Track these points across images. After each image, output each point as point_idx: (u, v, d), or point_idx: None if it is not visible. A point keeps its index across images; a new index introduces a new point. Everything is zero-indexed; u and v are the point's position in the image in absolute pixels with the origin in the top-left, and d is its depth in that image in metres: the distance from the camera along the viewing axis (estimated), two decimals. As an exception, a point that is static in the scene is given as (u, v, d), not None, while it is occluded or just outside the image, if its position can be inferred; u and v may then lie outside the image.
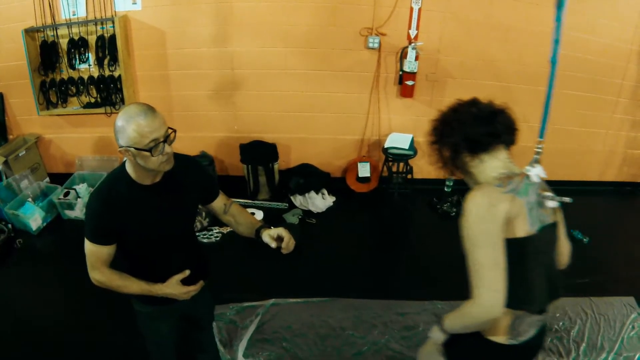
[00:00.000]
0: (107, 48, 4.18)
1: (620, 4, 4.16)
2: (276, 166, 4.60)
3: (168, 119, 1.66)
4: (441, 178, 4.73)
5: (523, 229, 1.48)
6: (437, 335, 1.68)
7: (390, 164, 4.62)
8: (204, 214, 4.11)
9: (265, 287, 3.45)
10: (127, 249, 1.83)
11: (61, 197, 4.28)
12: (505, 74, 4.34)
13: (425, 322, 3.12)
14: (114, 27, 4.09)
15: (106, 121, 4.43)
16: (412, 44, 4.17)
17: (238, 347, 2.96)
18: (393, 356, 2.94)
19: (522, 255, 1.49)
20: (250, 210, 4.28)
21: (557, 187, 1.66)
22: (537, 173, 1.54)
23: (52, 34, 4.19)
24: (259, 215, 4.34)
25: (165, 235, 1.84)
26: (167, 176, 1.78)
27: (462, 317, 1.53)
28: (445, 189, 4.83)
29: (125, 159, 1.70)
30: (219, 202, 2.03)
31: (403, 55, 4.26)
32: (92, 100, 4.44)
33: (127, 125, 1.57)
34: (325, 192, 4.66)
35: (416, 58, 4.19)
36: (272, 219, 4.30)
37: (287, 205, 4.53)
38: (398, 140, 4.49)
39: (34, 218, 4.08)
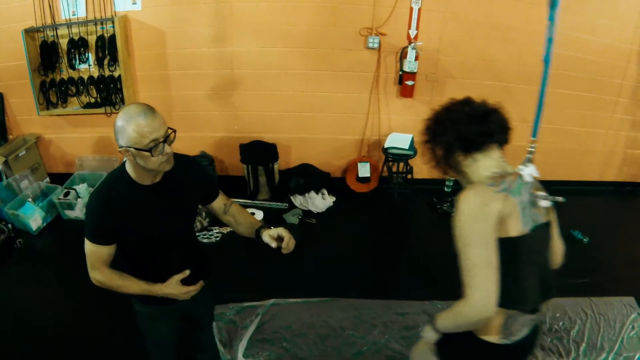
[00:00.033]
0: (107, 48, 4.19)
1: (620, 4, 4.16)
2: (276, 166, 4.60)
3: (168, 119, 1.66)
4: (441, 178, 4.73)
5: (516, 228, 1.48)
6: (429, 335, 1.68)
7: (390, 164, 4.62)
8: (204, 214, 4.12)
9: (265, 287, 3.45)
10: (127, 249, 1.83)
11: (61, 197, 4.28)
12: (505, 74, 4.34)
13: (425, 322, 3.11)
14: (113, 27, 4.09)
15: (106, 121, 4.43)
16: (412, 44, 4.17)
17: (238, 347, 2.96)
18: (393, 356, 2.94)
19: (515, 254, 1.49)
20: (250, 210, 4.28)
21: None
22: (530, 172, 1.54)
23: (52, 34, 4.19)
24: (259, 215, 4.34)
25: (165, 235, 1.84)
26: (167, 176, 1.78)
27: (454, 317, 1.53)
28: (445, 189, 4.83)
29: (125, 159, 1.70)
30: (219, 202, 2.03)
31: (403, 55, 4.26)
32: (92, 100, 4.44)
33: (127, 126, 1.57)
34: (325, 192, 4.66)
35: (416, 58, 4.19)
36: (272, 219, 4.30)
37: (287, 205, 4.53)
38: (398, 140, 4.49)
39: (34, 218, 4.08)
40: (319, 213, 4.46)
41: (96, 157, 4.82)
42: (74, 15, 4.15)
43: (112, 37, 4.12)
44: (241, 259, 3.73)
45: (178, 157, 1.76)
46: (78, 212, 4.27)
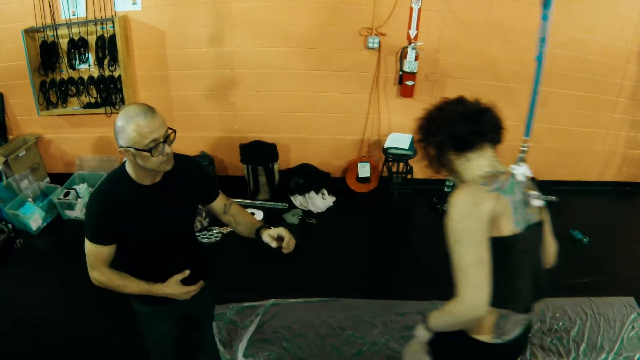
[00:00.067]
0: (107, 48, 4.19)
1: (620, 4, 4.17)
2: (276, 166, 4.60)
3: (168, 119, 1.66)
4: (441, 178, 4.73)
5: (508, 227, 1.48)
6: (422, 334, 1.68)
7: (390, 164, 4.62)
8: (204, 214, 4.12)
9: (265, 287, 3.45)
10: (127, 249, 1.83)
11: (61, 197, 4.28)
12: (505, 74, 4.34)
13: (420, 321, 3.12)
14: (113, 27, 4.09)
15: (106, 121, 4.43)
16: (412, 44, 4.17)
17: (238, 347, 2.96)
18: (393, 356, 2.94)
19: (507, 254, 1.48)
20: (250, 210, 4.28)
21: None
22: (522, 172, 1.55)
23: (52, 34, 4.20)
24: (259, 215, 4.34)
25: (165, 235, 1.84)
26: (167, 176, 1.78)
27: (446, 316, 1.53)
28: (445, 189, 4.83)
29: (125, 159, 1.70)
30: (219, 202, 2.03)
31: (403, 55, 4.26)
32: (92, 100, 4.44)
33: (127, 126, 1.57)
34: (325, 192, 4.66)
35: (416, 58, 4.19)
36: (272, 219, 4.30)
37: (287, 205, 4.53)
38: (398, 140, 4.49)
39: (34, 218, 4.08)
40: (319, 213, 4.46)
41: (96, 157, 4.82)
42: (74, 15, 4.15)
43: (112, 37, 4.12)
44: (241, 259, 3.73)
45: (178, 157, 1.76)
46: (78, 212, 4.27)
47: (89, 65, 4.32)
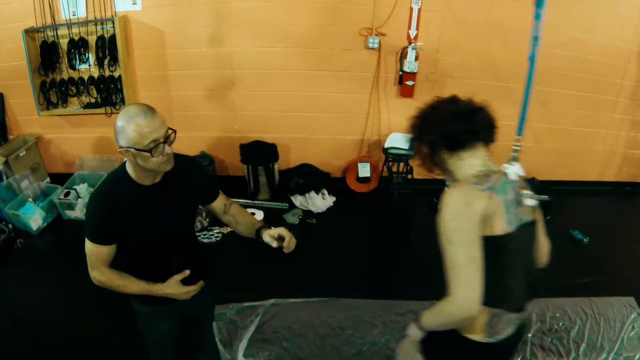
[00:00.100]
0: (107, 48, 4.19)
1: (620, 4, 4.17)
2: (276, 166, 4.60)
3: (168, 119, 1.66)
4: (442, 178, 4.74)
5: (501, 227, 1.47)
6: (414, 333, 1.67)
7: (391, 164, 4.62)
8: (204, 214, 4.12)
9: (265, 287, 3.45)
10: (127, 249, 1.83)
11: (61, 197, 4.28)
12: (505, 74, 4.34)
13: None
14: (114, 27, 4.09)
15: (106, 121, 4.44)
16: (412, 44, 4.17)
17: (238, 347, 2.96)
18: (392, 356, 2.94)
19: (499, 253, 1.48)
20: (250, 210, 4.28)
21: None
22: (515, 171, 1.54)
23: (52, 34, 4.20)
24: (259, 215, 4.34)
25: (165, 235, 1.84)
26: (167, 176, 1.78)
27: (438, 315, 1.53)
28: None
29: (125, 159, 1.70)
30: (219, 203, 2.03)
31: (403, 55, 4.26)
32: (92, 100, 4.44)
33: (127, 126, 1.57)
34: (325, 192, 4.67)
35: (416, 58, 4.19)
36: (272, 219, 4.31)
37: (287, 205, 4.53)
38: (398, 140, 4.49)
39: (35, 218, 4.08)
40: (319, 213, 4.46)
41: (96, 157, 4.82)
42: (74, 15, 4.16)
43: (112, 37, 4.13)
44: (241, 259, 3.73)
45: (178, 157, 1.76)
46: (78, 212, 4.27)
47: (89, 65, 4.32)
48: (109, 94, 4.37)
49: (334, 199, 4.65)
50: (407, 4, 4.09)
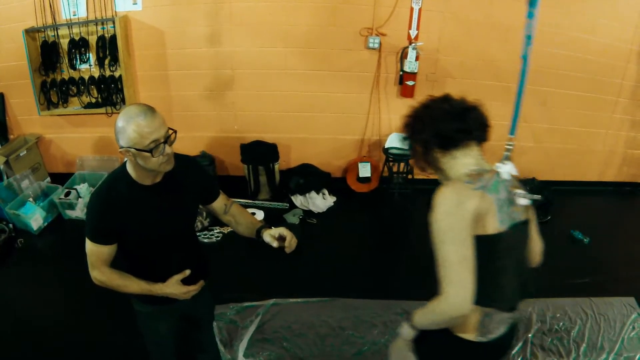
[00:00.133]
0: (108, 48, 4.19)
1: (620, 4, 4.17)
2: (277, 166, 4.60)
3: (168, 119, 1.66)
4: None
5: (493, 226, 1.47)
6: (406, 332, 1.67)
7: (391, 164, 4.62)
8: (204, 214, 4.12)
9: (265, 287, 3.45)
10: (128, 249, 1.83)
11: (62, 196, 4.28)
12: (505, 74, 4.34)
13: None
14: (114, 27, 4.09)
15: (107, 121, 4.44)
16: (413, 44, 4.17)
17: (238, 346, 2.97)
18: (393, 356, 2.95)
19: (492, 252, 1.48)
20: (250, 210, 4.28)
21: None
22: (507, 170, 1.54)
23: (53, 34, 4.20)
24: (260, 215, 4.34)
25: (165, 235, 1.85)
26: (167, 176, 1.78)
27: (430, 314, 1.53)
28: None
29: (126, 159, 1.70)
30: (220, 203, 2.04)
31: (403, 55, 4.26)
32: (93, 100, 4.45)
33: (127, 126, 1.57)
34: (325, 192, 4.67)
35: (416, 58, 4.19)
36: (273, 219, 4.31)
37: (288, 205, 4.53)
38: (398, 141, 4.49)
39: (35, 218, 4.08)
40: (320, 213, 4.46)
41: (97, 157, 4.82)
42: (74, 15, 4.16)
43: (113, 37, 4.13)
44: (241, 259, 3.73)
45: (178, 157, 1.76)
46: (79, 212, 4.28)
47: (90, 65, 4.33)
48: (109, 93, 4.37)
49: (334, 199, 4.65)
50: (408, 4, 4.09)
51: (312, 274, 3.62)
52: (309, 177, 4.64)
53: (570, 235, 4.13)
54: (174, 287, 1.87)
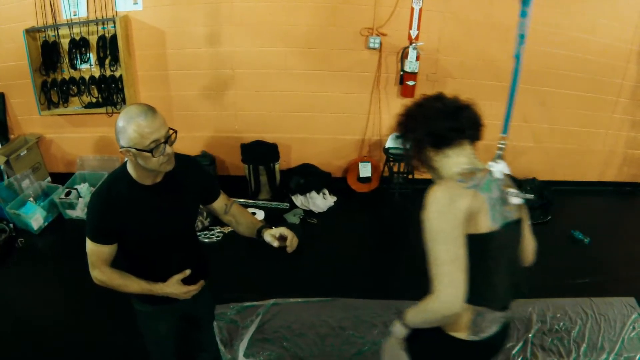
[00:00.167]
0: (108, 48, 4.19)
1: (620, 4, 4.17)
2: (277, 166, 4.60)
3: (168, 119, 1.66)
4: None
5: (485, 224, 1.47)
6: (398, 330, 1.67)
7: (391, 164, 4.62)
8: (205, 213, 4.12)
9: (265, 287, 3.46)
10: (128, 249, 1.83)
11: (62, 196, 4.28)
12: (505, 73, 4.29)
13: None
14: (115, 27, 4.09)
15: (107, 121, 4.44)
16: (413, 44, 4.17)
17: (239, 346, 2.97)
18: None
19: (484, 251, 1.48)
20: (251, 210, 4.28)
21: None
22: (500, 169, 1.53)
23: (53, 34, 4.20)
24: (260, 215, 4.35)
25: (166, 235, 1.85)
26: (168, 176, 1.78)
27: (422, 312, 1.52)
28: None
29: (126, 159, 1.70)
30: (220, 203, 2.04)
31: (404, 55, 4.26)
32: (93, 100, 4.45)
33: (128, 126, 1.57)
34: (326, 192, 4.67)
35: (417, 58, 4.19)
36: (273, 218, 4.31)
37: (288, 205, 4.54)
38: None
39: (35, 218, 4.08)
40: (320, 213, 4.46)
41: (97, 156, 4.82)
42: (75, 15, 4.16)
43: (113, 37, 4.13)
44: (242, 259, 3.73)
45: (179, 157, 1.77)
46: (79, 211, 4.28)
47: (90, 65, 4.33)
48: (109, 93, 4.37)
49: (334, 198, 4.65)
50: (408, 4, 4.09)
51: (312, 274, 3.62)
52: (310, 177, 4.64)
53: (570, 235, 4.13)
54: (174, 286, 1.87)
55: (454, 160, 1.54)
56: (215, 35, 4.25)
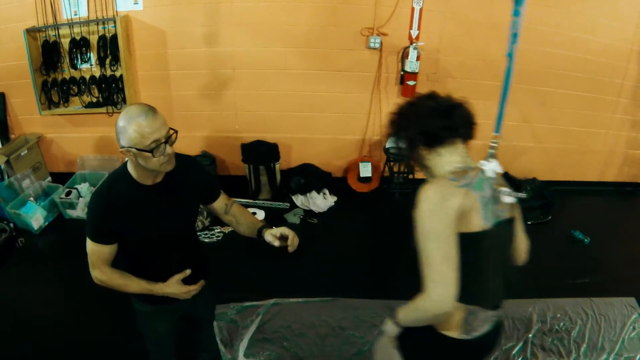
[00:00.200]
0: (109, 48, 4.19)
1: (620, 4, 4.17)
2: (277, 166, 4.60)
3: (169, 119, 1.66)
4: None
5: (477, 223, 1.47)
6: (390, 329, 1.67)
7: (392, 163, 4.62)
8: (205, 213, 4.12)
9: (265, 287, 3.46)
10: (128, 249, 1.83)
11: (63, 196, 4.28)
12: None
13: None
14: (115, 27, 4.10)
15: (107, 121, 4.44)
16: (414, 44, 4.17)
17: (239, 346, 2.97)
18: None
19: (476, 250, 1.48)
20: (251, 210, 4.28)
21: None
22: (492, 168, 1.53)
23: (54, 33, 4.20)
24: (261, 215, 4.35)
25: (166, 235, 1.85)
26: (168, 176, 1.78)
27: (414, 311, 1.53)
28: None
29: (126, 158, 1.70)
30: (220, 202, 2.04)
31: (404, 55, 4.26)
32: (94, 100, 4.45)
33: (128, 126, 1.57)
34: (326, 191, 4.67)
35: (417, 58, 4.19)
36: (274, 218, 4.31)
37: (289, 205, 4.54)
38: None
39: (36, 217, 4.09)
40: (320, 213, 4.46)
41: (97, 156, 4.82)
42: (75, 15, 4.16)
43: (114, 37, 4.13)
44: (242, 259, 3.73)
45: (179, 157, 1.77)
46: (80, 211, 4.28)
47: (91, 65, 4.33)
48: (110, 93, 4.37)
49: (335, 198, 4.65)
50: (409, 4, 4.09)
51: (312, 274, 3.62)
52: (310, 176, 4.64)
53: (570, 235, 4.13)
54: (174, 286, 1.87)
55: (447, 158, 1.54)
56: (215, 35, 4.25)
